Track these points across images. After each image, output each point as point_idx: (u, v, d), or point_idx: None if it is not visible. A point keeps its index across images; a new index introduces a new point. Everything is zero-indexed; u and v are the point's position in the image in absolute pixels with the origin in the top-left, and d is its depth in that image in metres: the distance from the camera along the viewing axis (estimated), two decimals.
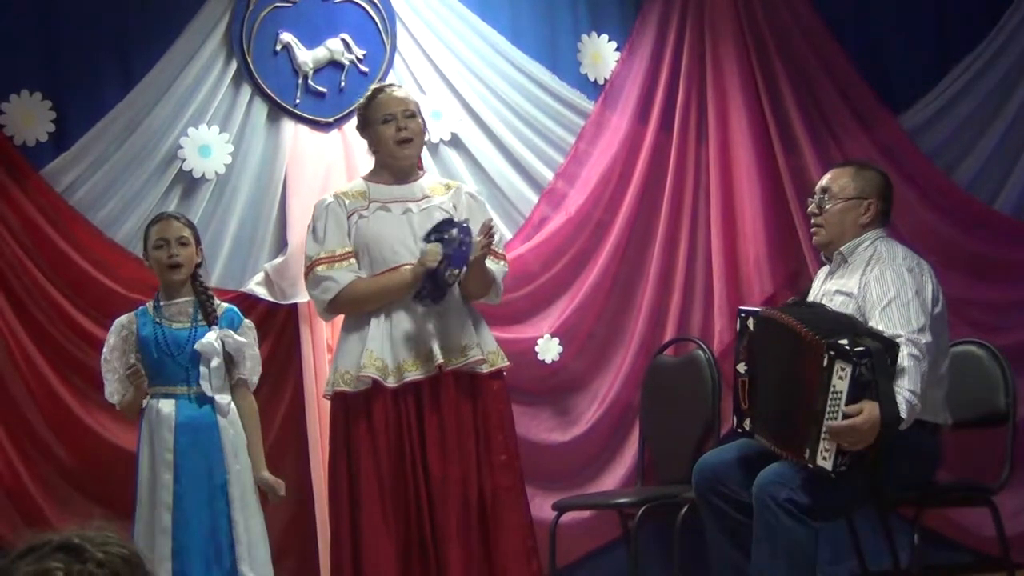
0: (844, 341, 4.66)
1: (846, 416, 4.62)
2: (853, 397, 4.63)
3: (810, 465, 4.73)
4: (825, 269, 5.36)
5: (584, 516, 6.59)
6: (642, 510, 6.08)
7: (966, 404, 5.47)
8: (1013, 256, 6.84)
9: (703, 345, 6.50)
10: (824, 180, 5.35)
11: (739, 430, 5.13)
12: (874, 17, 7.08)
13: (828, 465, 4.67)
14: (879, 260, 5.08)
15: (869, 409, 4.62)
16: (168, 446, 5.39)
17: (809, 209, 5.37)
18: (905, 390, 4.71)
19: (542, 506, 6.36)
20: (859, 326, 4.84)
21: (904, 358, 4.75)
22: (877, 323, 4.88)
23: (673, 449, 6.40)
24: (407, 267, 5.43)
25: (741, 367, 5.08)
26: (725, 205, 6.81)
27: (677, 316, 6.80)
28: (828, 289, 5.19)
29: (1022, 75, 6.90)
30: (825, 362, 4.66)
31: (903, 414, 4.68)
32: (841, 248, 5.21)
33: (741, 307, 5.30)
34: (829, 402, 4.67)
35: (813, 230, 5.36)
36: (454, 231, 5.32)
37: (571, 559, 6.55)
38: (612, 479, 6.72)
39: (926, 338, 4.84)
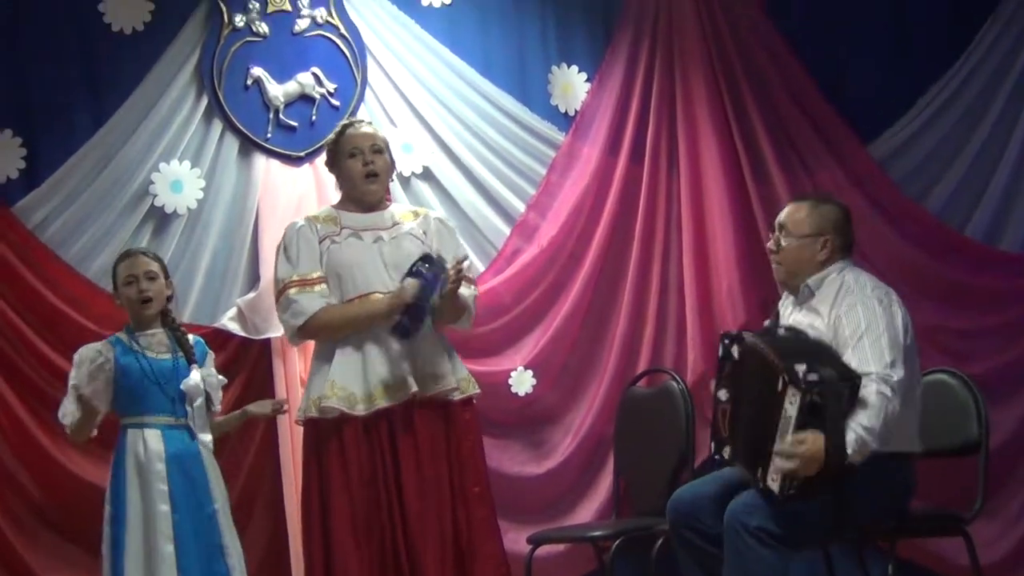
0: (801, 367, 4.66)
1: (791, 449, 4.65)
2: (802, 424, 4.64)
3: (761, 485, 4.76)
4: (789, 298, 5.36)
5: (559, 549, 6.57)
6: (617, 542, 6.08)
7: (939, 433, 5.47)
8: (984, 283, 6.86)
9: (676, 376, 6.50)
10: (781, 216, 5.33)
11: (716, 457, 5.12)
12: (843, 47, 7.10)
13: (775, 487, 4.71)
14: (848, 292, 5.07)
15: (813, 439, 4.62)
16: (162, 477, 5.38)
17: (768, 245, 5.39)
18: (860, 425, 4.70)
19: (517, 539, 6.35)
20: (828, 354, 4.83)
21: (871, 394, 4.74)
22: (850, 358, 4.86)
23: (648, 481, 6.39)
24: (378, 295, 5.43)
25: (723, 394, 5.06)
26: (697, 235, 6.82)
27: (650, 347, 6.81)
28: (799, 321, 5.18)
29: (990, 103, 6.93)
30: (779, 386, 4.70)
31: (850, 448, 4.67)
32: (808, 281, 5.21)
33: (724, 332, 5.24)
34: (780, 427, 4.69)
35: (773, 266, 5.37)
36: (427, 266, 5.33)
37: None
38: (587, 511, 6.71)
39: (898, 374, 4.83)
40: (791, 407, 4.66)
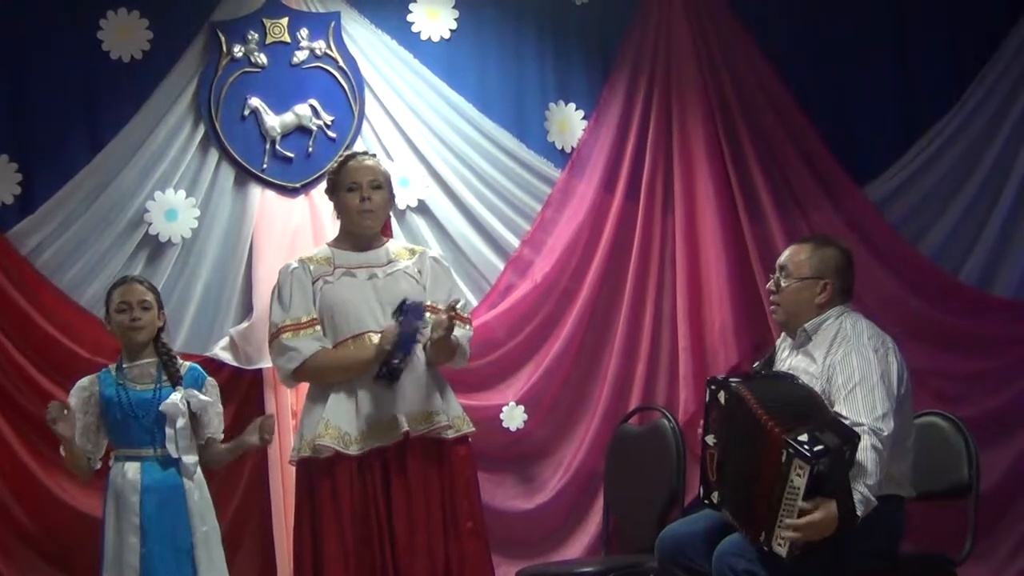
0: (804, 438, 4.60)
1: (803, 512, 4.60)
2: (810, 493, 4.60)
3: (766, 548, 4.71)
4: (787, 340, 5.34)
5: None
6: None
7: (930, 475, 5.45)
8: (977, 327, 6.87)
9: (668, 414, 6.48)
10: (783, 257, 5.31)
11: (706, 501, 5.09)
12: (840, 89, 7.12)
13: (783, 552, 4.66)
14: (844, 340, 5.04)
15: (825, 508, 4.60)
16: (135, 509, 5.35)
17: (768, 286, 5.38)
18: (863, 484, 4.69)
19: (507, 574, 6.33)
20: (822, 413, 4.79)
21: (865, 449, 4.72)
22: (841, 407, 4.84)
23: (638, 518, 6.37)
24: (371, 334, 5.41)
25: (710, 439, 5.01)
26: (691, 274, 6.82)
27: (642, 384, 6.81)
28: (795, 366, 5.16)
29: (986, 147, 6.96)
30: (783, 458, 4.63)
31: (859, 510, 4.67)
32: (804, 326, 5.19)
33: (710, 378, 5.18)
34: (786, 496, 4.64)
35: (772, 308, 5.35)
36: (406, 313, 5.31)
37: None
38: (576, 547, 6.69)
39: (888, 427, 4.81)
40: (798, 479, 4.61)
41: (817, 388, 4.95)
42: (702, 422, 5.08)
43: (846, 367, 4.94)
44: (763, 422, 4.71)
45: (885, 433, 4.79)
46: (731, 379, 5.00)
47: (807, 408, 4.80)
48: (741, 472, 4.86)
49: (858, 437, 4.71)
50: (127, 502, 5.37)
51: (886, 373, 4.94)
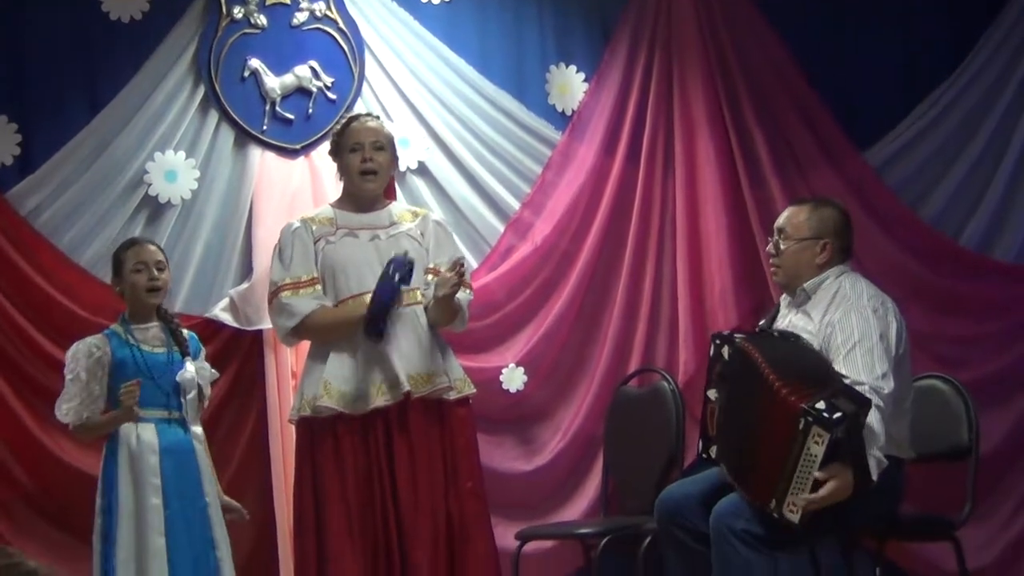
0: (821, 405, 4.56)
1: (817, 482, 4.58)
2: (827, 459, 4.58)
3: (775, 515, 4.69)
4: (787, 299, 5.34)
5: (547, 546, 6.58)
6: (605, 540, 6.07)
7: (930, 438, 5.47)
8: (977, 291, 6.87)
9: (668, 376, 6.50)
10: (780, 219, 5.32)
11: (704, 455, 5.09)
12: (841, 52, 7.11)
13: (795, 519, 4.63)
14: (844, 299, 5.04)
15: (842, 475, 4.58)
16: (155, 470, 5.33)
17: (767, 249, 5.38)
18: (875, 448, 4.69)
19: (505, 535, 6.32)
20: (831, 378, 4.76)
21: (871, 412, 4.70)
22: (840, 366, 4.84)
23: (637, 480, 6.39)
24: (368, 297, 5.42)
25: (712, 393, 5.02)
26: (691, 237, 6.82)
27: (642, 347, 6.80)
28: (794, 323, 5.16)
29: (987, 111, 6.94)
30: (801, 425, 4.58)
31: (873, 474, 4.67)
32: (804, 285, 5.19)
33: (715, 332, 5.21)
34: (801, 463, 4.60)
35: (772, 270, 5.35)
36: (388, 265, 5.32)
37: None
38: (575, 509, 6.71)
39: (888, 386, 4.81)
40: (816, 447, 4.57)
41: (815, 346, 4.96)
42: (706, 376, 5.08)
43: (845, 327, 4.95)
44: (775, 387, 4.70)
45: (886, 391, 4.79)
46: (736, 335, 5.00)
47: (818, 372, 4.78)
48: (743, 430, 4.85)
49: (869, 401, 4.69)
50: (146, 464, 5.34)
51: (885, 333, 4.94)
